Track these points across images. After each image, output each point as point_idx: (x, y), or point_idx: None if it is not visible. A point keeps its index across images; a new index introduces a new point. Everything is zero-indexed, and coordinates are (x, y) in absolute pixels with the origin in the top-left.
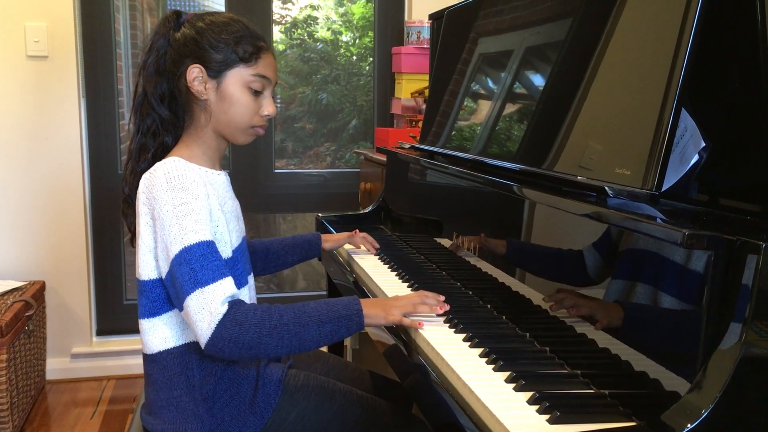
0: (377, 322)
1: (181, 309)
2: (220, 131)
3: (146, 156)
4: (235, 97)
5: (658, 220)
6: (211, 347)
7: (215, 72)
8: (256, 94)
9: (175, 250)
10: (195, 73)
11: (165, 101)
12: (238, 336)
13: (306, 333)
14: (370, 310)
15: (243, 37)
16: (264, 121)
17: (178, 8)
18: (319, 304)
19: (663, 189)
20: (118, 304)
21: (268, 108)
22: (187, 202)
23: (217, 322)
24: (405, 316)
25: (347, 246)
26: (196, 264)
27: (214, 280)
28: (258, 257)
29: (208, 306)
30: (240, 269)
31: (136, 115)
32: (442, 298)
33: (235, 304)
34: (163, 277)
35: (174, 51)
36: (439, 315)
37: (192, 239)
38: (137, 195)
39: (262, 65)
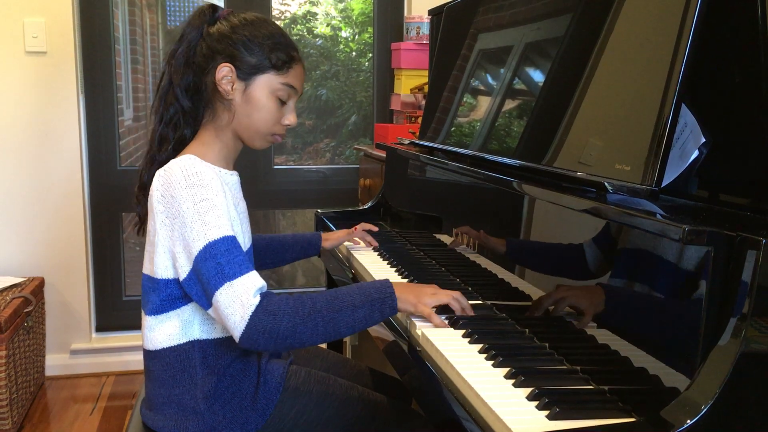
0: (406, 308)
1: (208, 306)
2: (240, 133)
3: (167, 147)
4: (261, 102)
5: (658, 216)
6: (246, 340)
7: (245, 74)
8: (282, 102)
9: (198, 246)
10: (224, 72)
11: (189, 93)
12: (272, 327)
13: (340, 319)
14: (402, 293)
15: (278, 44)
16: (284, 130)
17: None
18: (351, 289)
19: (663, 185)
20: (118, 300)
21: (290, 118)
22: (207, 198)
23: (251, 314)
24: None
25: (346, 242)
26: (222, 258)
27: (241, 273)
28: (258, 252)
29: (239, 299)
30: None
31: (160, 104)
32: (472, 314)
33: (266, 295)
34: (182, 278)
35: (206, 45)
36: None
37: (216, 234)
38: (151, 192)
39: (293, 75)
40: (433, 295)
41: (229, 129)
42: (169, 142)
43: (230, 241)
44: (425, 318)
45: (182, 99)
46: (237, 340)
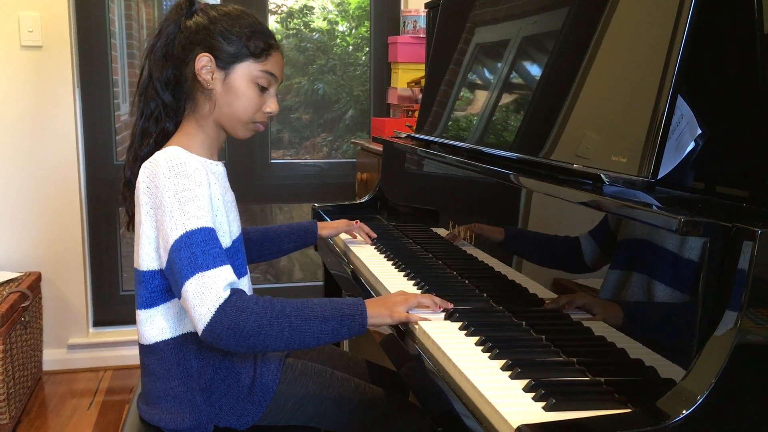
0: (382, 321)
1: (179, 296)
2: (222, 123)
3: (149, 141)
4: (241, 90)
5: (654, 208)
6: (209, 334)
7: (224, 63)
8: (262, 90)
9: (175, 234)
10: (204, 62)
11: (169, 87)
12: (238, 323)
13: (307, 328)
14: (374, 309)
15: (256, 32)
16: (265, 118)
17: None
18: (323, 302)
19: (659, 176)
20: (115, 295)
21: (271, 105)
22: (189, 188)
23: (218, 307)
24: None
25: (343, 235)
26: (197, 249)
27: (215, 265)
28: (254, 244)
29: (208, 290)
30: (239, 259)
31: (140, 99)
32: (451, 306)
33: (237, 291)
34: (164, 267)
35: (184, 37)
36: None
37: (194, 224)
38: (137, 184)
39: (272, 62)
40: (404, 302)
41: (211, 119)
42: (151, 136)
43: (208, 233)
44: (405, 322)
45: (162, 93)
46: (200, 332)
